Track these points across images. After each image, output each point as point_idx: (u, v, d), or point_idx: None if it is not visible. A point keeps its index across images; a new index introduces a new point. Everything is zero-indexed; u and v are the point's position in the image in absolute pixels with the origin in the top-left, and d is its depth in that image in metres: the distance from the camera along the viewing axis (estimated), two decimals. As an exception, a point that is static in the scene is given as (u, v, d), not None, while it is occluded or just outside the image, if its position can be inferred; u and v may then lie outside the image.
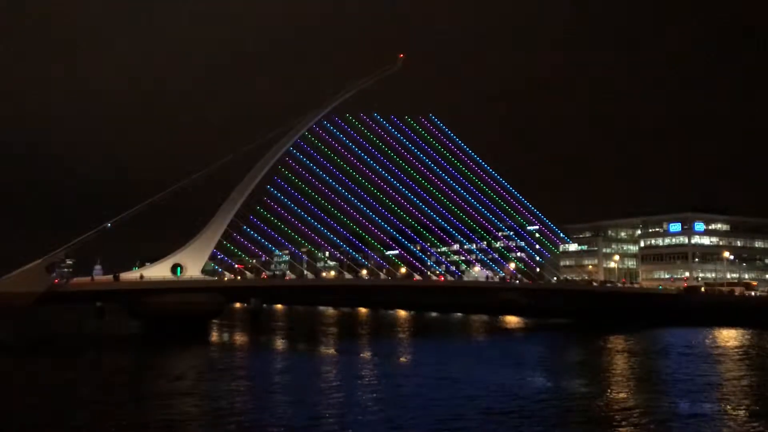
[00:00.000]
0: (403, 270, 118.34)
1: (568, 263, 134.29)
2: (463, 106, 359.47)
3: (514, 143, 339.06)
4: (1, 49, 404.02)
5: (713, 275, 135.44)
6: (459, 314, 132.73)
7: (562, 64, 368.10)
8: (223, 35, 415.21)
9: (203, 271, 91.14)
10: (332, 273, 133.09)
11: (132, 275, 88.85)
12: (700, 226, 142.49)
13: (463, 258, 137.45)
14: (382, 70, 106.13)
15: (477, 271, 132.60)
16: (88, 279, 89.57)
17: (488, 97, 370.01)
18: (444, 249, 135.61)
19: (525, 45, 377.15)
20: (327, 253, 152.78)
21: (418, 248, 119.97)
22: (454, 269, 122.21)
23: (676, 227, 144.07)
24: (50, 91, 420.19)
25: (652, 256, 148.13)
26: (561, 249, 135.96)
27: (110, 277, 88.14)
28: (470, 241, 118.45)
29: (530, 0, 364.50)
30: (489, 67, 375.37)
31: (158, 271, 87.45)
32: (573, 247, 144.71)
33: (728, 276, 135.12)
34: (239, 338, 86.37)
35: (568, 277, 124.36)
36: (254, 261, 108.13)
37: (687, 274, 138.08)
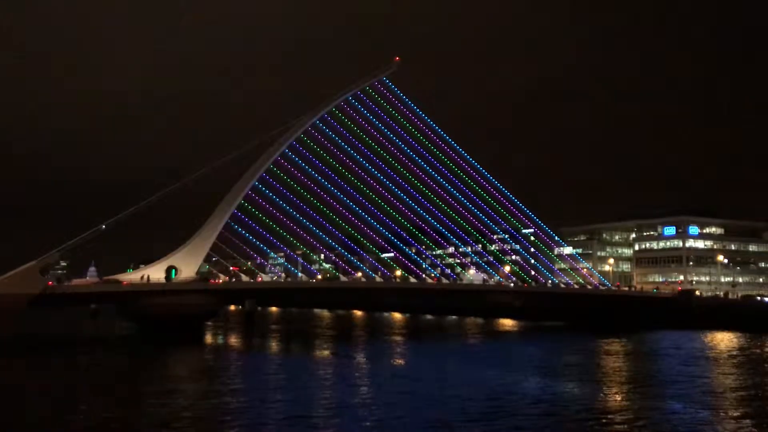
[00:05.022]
0: (398, 272, 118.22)
1: (563, 266, 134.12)
2: (460, 109, 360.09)
3: (510, 146, 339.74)
4: (2, 49, 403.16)
5: (707, 278, 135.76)
6: (454, 317, 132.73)
7: (561, 66, 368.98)
8: (222, 35, 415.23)
9: (198, 274, 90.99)
10: (327, 275, 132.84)
11: (126, 277, 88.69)
12: (694, 229, 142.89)
13: (458, 261, 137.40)
14: (379, 71, 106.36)
15: (472, 274, 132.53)
16: (82, 281, 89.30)
17: (487, 99, 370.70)
18: (439, 252, 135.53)
19: (524, 46, 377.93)
20: (322, 256, 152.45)
21: (413, 251, 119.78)
22: (449, 272, 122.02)
23: (670, 231, 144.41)
24: (50, 91, 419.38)
25: (646, 260, 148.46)
26: (556, 252, 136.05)
27: (103, 278, 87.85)
28: (465, 243, 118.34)
29: (530, 1, 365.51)
30: (488, 68, 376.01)
31: (153, 274, 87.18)
32: (568, 250, 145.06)
33: (722, 279, 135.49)
34: (233, 340, 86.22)
35: (562, 280, 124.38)
36: (249, 263, 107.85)
37: (681, 277, 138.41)
